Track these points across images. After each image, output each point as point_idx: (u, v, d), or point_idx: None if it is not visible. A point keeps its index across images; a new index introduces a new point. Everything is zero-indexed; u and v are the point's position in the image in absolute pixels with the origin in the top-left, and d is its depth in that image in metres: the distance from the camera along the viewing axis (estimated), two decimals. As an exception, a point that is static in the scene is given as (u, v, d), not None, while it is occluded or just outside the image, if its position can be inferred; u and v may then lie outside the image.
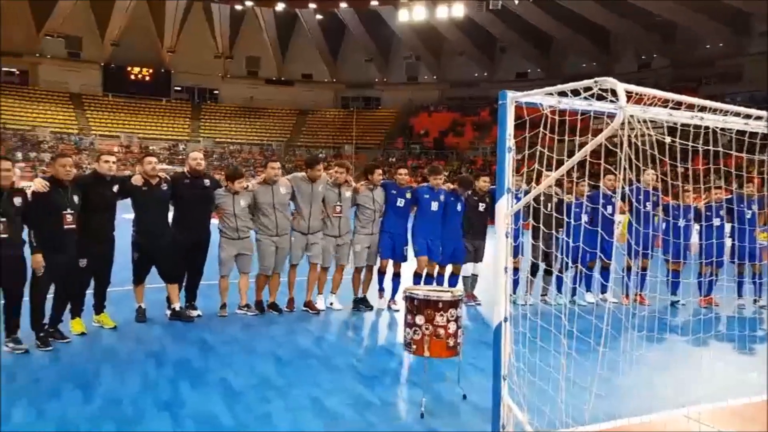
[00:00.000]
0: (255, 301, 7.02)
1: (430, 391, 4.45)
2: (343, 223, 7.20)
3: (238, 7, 43.95)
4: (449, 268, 7.67)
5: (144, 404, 4.23)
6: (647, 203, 7.58)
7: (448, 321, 4.18)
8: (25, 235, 5.35)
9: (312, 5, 42.38)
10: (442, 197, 7.33)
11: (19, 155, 34.50)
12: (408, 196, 7.29)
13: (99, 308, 6.25)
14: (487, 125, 43.13)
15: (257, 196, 6.86)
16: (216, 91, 51.10)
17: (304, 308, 7.14)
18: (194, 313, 6.76)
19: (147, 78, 47.94)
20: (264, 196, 6.87)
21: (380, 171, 7.34)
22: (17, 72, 44.79)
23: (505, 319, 3.62)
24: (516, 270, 6.64)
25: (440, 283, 7.50)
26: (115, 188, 6.11)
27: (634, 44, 39.06)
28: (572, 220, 6.98)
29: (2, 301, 5.26)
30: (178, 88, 49.86)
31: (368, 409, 4.24)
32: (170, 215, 6.63)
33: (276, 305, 7.09)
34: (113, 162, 6.09)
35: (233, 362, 5.22)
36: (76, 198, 5.65)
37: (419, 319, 4.19)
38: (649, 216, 7.59)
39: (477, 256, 7.84)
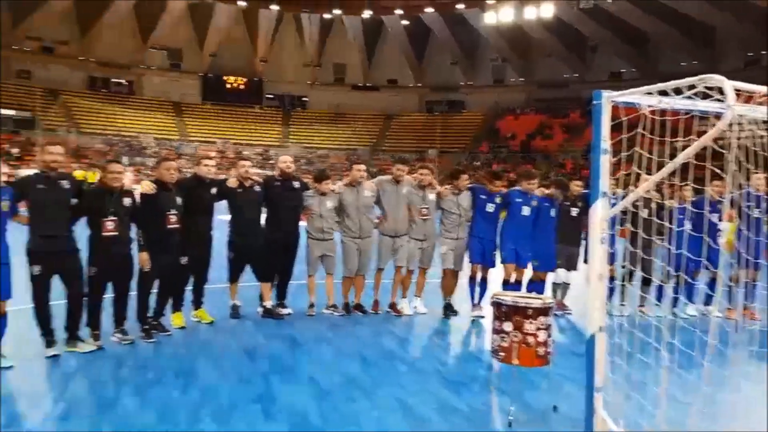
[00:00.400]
0: (342, 303, 7.14)
1: (519, 399, 4.35)
2: (429, 226, 7.18)
3: (327, 16, 45.07)
4: (529, 274, 7.43)
5: (238, 396, 4.41)
6: (757, 209, 7.03)
7: (538, 329, 4.07)
8: (132, 233, 5.73)
9: (398, 11, 42.72)
10: (534, 202, 7.13)
11: (126, 160, 37.05)
12: (498, 200, 7.13)
13: (197, 304, 6.59)
14: (577, 127, 41.71)
15: (342, 198, 7.00)
16: (305, 98, 52.66)
17: (388, 310, 7.19)
18: (284, 311, 6.97)
19: (241, 87, 50.20)
20: (349, 198, 7.00)
21: (466, 176, 7.25)
22: (125, 83, 48.21)
23: (600, 329, 3.48)
24: (612, 278, 6.33)
25: (537, 290, 7.23)
26: (214, 190, 6.43)
27: (738, 40, 36.49)
28: (674, 227, 6.60)
29: (111, 295, 5.65)
30: (270, 96, 51.81)
31: (454, 415, 4.21)
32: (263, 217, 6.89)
33: (361, 306, 7.19)
34: (213, 165, 6.42)
35: (321, 360, 5.35)
36: (179, 199, 5.98)
37: (507, 326, 4.10)
38: (760, 223, 7.05)
39: (569, 264, 7.58)
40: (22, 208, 5.23)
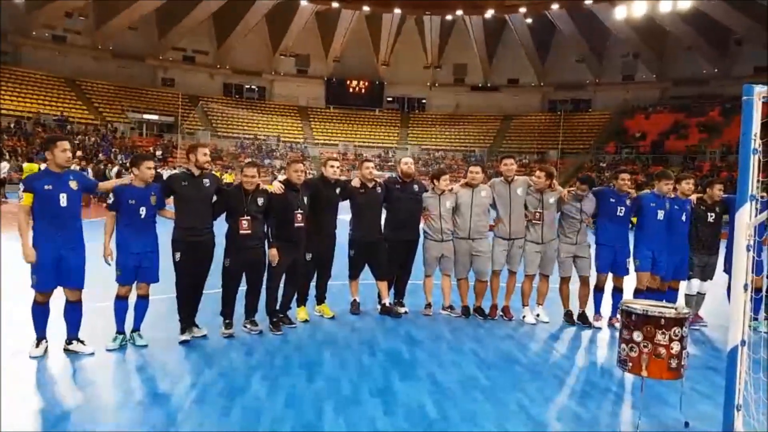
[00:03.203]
0: (461, 305, 7.12)
1: (647, 413, 4.12)
2: (546, 230, 6.91)
3: (449, 17, 45.05)
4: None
5: (359, 389, 4.56)
6: None
7: (671, 340, 3.83)
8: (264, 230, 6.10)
9: (522, 9, 41.73)
10: (667, 205, 6.68)
11: (257, 161, 39.46)
12: (628, 203, 6.76)
13: (320, 299, 6.88)
14: (716, 127, 38.45)
15: (458, 198, 6.97)
16: (423, 100, 53.06)
17: (501, 314, 7.05)
18: (402, 309, 7.08)
19: (363, 90, 51.59)
20: (464, 198, 6.96)
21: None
22: (256, 88, 51.36)
23: (743, 343, 3.22)
24: (758, 290, 5.76)
25: (668, 299, 6.78)
26: (338, 190, 6.69)
27: None
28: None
29: (245, 288, 6.06)
30: (390, 99, 52.79)
31: (577, 423, 4.07)
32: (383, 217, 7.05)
33: (481, 310, 7.12)
34: (338, 167, 6.68)
35: (440, 359, 5.38)
36: (306, 199, 6.29)
37: (637, 336, 3.90)
38: None
39: (705, 273, 7.03)
40: (169, 204, 5.75)
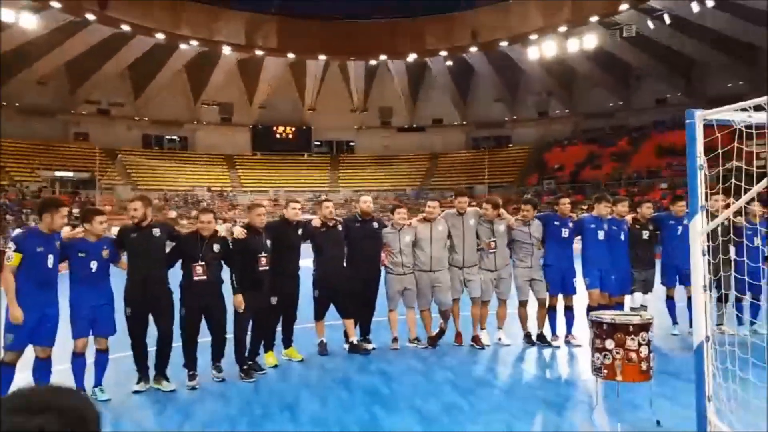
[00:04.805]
0: (426, 336, 7.28)
1: (621, 417, 4.41)
2: (498, 257, 7.26)
3: (373, 62, 46.34)
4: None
5: (347, 425, 4.60)
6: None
7: (640, 344, 4.16)
8: (225, 276, 6.06)
9: (443, 53, 43.59)
10: (606, 226, 7.20)
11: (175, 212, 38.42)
12: (571, 225, 7.24)
13: (287, 343, 6.84)
14: (626, 155, 41.23)
15: (417, 233, 7.23)
16: (352, 143, 53.85)
17: (471, 343, 7.27)
18: (369, 346, 7.16)
19: (290, 136, 51.74)
20: (423, 233, 7.22)
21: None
22: (178, 139, 50.47)
23: (707, 339, 3.57)
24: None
25: None
26: (300, 231, 6.79)
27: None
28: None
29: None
30: (318, 143, 53.22)
31: (562, 434, 4.30)
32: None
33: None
34: (299, 209, 6.79)
35: (418, 389, 5.50)
36: (268, 242, 6.34)
37: (609, 344, 4.21)
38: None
39: (645, 287, 7.58)
40: (124, 256, 5.70)
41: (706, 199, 3.54)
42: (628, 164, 40.40)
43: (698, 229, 3.56)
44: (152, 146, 49.32)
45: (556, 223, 7.27)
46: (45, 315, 4.96)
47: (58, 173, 40.84)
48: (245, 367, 6.10)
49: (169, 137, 50.19)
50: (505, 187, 45.36)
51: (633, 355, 4.15)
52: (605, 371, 4.24)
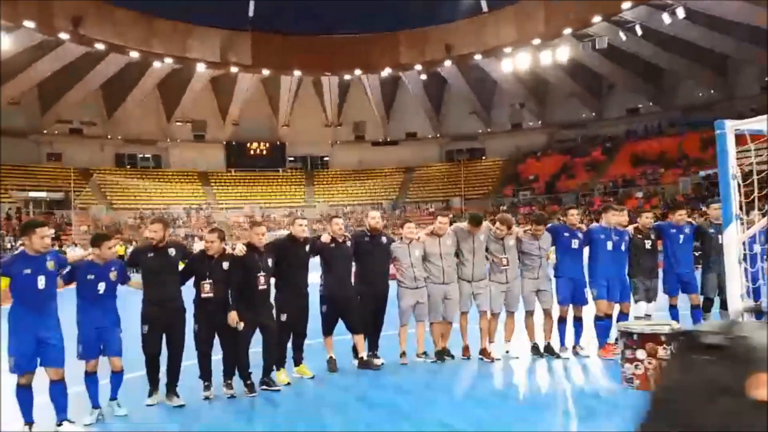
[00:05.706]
0: (435, 350, 7.24)
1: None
2: (510, 271, 7.27)
3: (347, 77, 46.44)
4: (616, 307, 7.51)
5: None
6: None
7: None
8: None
9: (417, 67, 43.89)
10: (614, 236, 7.28)
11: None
12: (581, 236, 7.30)
13: (298, 361, 6.75)
14: (600, 165, 42.04)
15: (426, 247, 7.22)
16: (326, 158, 53.75)
17: (480, 356, 7.26)
18: (378, 361, 7.09)
19: (264, 152, 51.40)
20: (432, 248, 7.22)
21: (541, 228, 7.32)
22: (150, 157, 49.73)
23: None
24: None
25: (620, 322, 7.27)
26: (307, 248, 6.73)
27: (753, 65, 36.97)
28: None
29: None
30: (292, 159, 52.96)
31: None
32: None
33: (448, 351, 7.27)
34: (305, 225, 6.74)
35: (438, 404, 5.45)
36: (270, 261, 6.29)
37: (641, 354, 4.24)
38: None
39: (648, 296, 7.66)
40: (135, 276, 5.81)
41: (740, 209, 3.60)
42: (603, 174, 41.18)
43: (734, 238, 3.62)
44: (125, 165, 48.51)
45: (566, 234, 7.30)
46: (44, 336, 4.90)
47: (31, 194, 39.95)
48: (249, 382, 6.05)
49: (142, 155, 49.45)
50: (481, 199, 45.79)
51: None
52: (637, 381, 4.26)
